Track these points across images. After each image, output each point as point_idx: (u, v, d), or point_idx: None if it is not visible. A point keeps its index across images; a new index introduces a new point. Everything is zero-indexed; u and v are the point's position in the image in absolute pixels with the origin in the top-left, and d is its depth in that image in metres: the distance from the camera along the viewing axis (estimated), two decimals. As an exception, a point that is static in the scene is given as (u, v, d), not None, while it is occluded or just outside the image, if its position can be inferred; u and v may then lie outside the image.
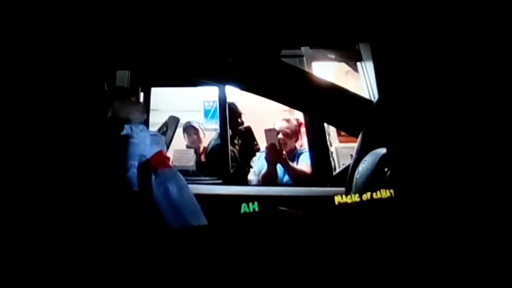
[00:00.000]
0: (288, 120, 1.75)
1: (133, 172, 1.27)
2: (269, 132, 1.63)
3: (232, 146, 1.70)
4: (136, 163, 1.29)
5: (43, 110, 1.15)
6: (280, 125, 1.73)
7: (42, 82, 1.16)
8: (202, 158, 1.86)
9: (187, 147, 1.87)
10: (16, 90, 1.14)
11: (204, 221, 1.28)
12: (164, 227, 1.25)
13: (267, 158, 1.63)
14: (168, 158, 1.41)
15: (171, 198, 1.29)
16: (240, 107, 1.80)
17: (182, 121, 1.85)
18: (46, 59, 1.18)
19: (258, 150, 1.70)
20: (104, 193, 1.17)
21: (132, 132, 1.32)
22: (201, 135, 1.92)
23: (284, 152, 1.63)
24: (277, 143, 1.61)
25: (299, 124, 1.79)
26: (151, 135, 1.39)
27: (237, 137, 1.73)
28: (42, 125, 1.14)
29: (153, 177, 1.31)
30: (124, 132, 1.32)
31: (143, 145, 1.32)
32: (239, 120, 1.78)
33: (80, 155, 1.15)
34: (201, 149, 1.89)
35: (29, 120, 1.13)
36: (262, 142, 1.68)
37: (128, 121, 1.36)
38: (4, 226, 1.05)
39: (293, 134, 1.75)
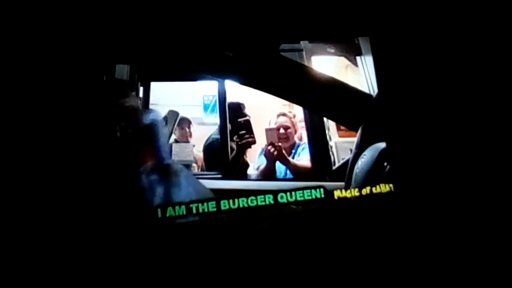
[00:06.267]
0: (285, 114, 1.76)
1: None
2: (270, 132, 1.65)
3: (232, 141, 1.70)
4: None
5: (53, 101, 1.16)
6: (279, 120, 1.74)
7: (45, 77, 1.16)
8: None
9: (176, 141, 1.84)
10: (22, 85, 1.15)
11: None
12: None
13: (266, 156, 1.64)
14: None
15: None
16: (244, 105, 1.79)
17: (182, 115, 1.84)
18: (46, 55, 1.17)
19: (254, 143, 1.69)
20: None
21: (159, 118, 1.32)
22: (192, 129, 1.91)
23: (283, 150, 1.64)
24: (276, 142, 1.62)
25: (294, 116, 1.80)
26: None
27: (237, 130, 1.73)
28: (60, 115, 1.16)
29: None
30: (154, 116, 1.29)
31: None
32: (242, 113, 1.77)
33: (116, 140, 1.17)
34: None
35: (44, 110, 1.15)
36: (259, 137, 1.68)
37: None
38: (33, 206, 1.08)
39: (293, 126, 1.76)
